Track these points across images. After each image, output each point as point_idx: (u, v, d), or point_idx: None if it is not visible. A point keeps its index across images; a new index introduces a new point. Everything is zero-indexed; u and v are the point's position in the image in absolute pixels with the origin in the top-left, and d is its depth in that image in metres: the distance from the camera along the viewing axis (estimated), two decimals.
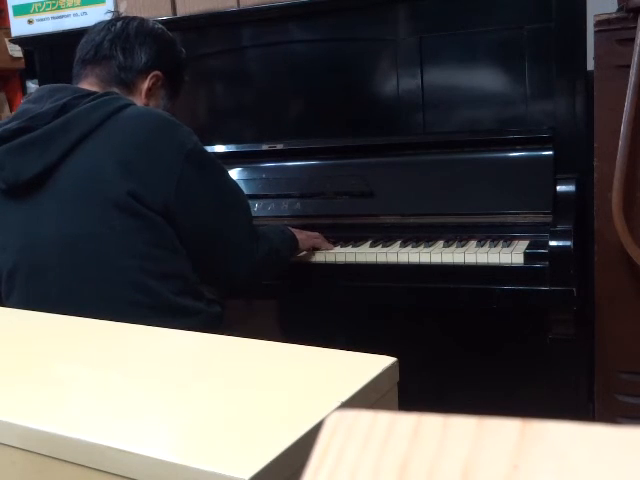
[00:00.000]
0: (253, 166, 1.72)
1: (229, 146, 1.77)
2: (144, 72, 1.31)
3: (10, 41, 2.16)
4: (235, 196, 1.25)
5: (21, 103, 1.22)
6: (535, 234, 1.41)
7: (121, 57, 1.29)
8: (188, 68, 1.46)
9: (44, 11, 1.93)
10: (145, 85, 1.31)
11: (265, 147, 1.72)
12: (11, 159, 1.12)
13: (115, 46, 1.29)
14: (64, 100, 1.13)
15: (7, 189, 1.15)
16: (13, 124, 1.13)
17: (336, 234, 1.56)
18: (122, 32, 1.30)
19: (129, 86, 1.30)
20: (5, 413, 0.59)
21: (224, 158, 1.70)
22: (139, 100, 1.30)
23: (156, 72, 1.32)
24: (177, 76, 1.40)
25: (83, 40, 1.33)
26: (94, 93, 1.18)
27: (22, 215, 1.15)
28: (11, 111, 3.16)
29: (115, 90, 1.25)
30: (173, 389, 0.63)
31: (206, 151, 1.20)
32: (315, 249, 1.50)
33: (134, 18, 1.35)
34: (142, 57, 1.30)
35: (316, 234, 1.51)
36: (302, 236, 1.45)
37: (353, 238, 1.53)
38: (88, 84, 1.28)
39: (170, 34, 1.39)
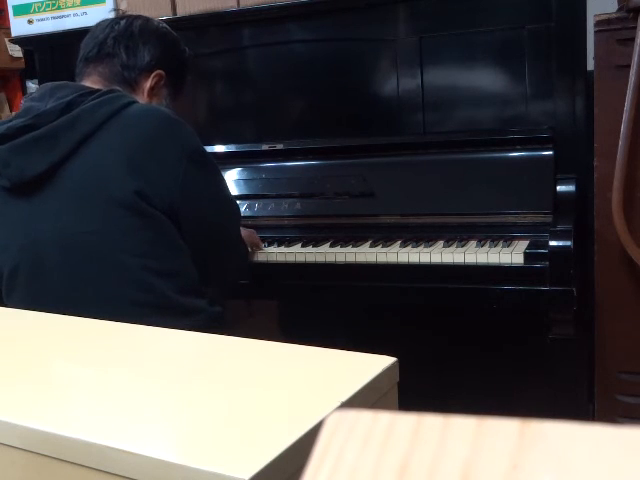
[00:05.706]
0: (253, 166, 1.72)
1: (229, 146, 1.77)
2: (147, 71, 1.31)
3: (10, 41, 2.16)
4: (229, 195, 1.30)
5: (23, 101, 1.22)
6: (535, 234, 1.41)
7: (124, 55, 1.29)
8: (191, 67, 1.46)
9: (44, 11, 1.93)
10: (148, 84, 1.31)
11: (265, 147, 1.72)
12: (16, 157, 1.11)
13: (119, 44, 1.29)
14: (69, 98, 1.13)
15: (11, 187, 1.14)
16: (18, 122, 1.12)
17: (336, 234, 1.56)
18: (126, 30, 1.30)
19: (132, 85, 1.30)
20: (5, 413, 0.59)
21: (224, 158, 1.71)
22: (142, 99, 1.30)
23: (159, 71, 1.32)
24: (180, 75, 1.40)
25: (86, 38, 1.33)
26: (97, 90, 1.17)
27: (25, 213, 1.15)
28: (11, 111, 3.16)
29: (118, 88, 1.25)
30: (173, 389, 0.63)
31: (206, 151, 1.22)
32: (254, 245, 1.52)
33: (138, 17, 1.35)
34: (145, 56, 1.30)
35: (251, 230, 1.52)
36: (244, 233, 1.44)
37: (353, 238, 1.53)
38: (91, 82, 1.27)
39: (174, 33, 1.38)
